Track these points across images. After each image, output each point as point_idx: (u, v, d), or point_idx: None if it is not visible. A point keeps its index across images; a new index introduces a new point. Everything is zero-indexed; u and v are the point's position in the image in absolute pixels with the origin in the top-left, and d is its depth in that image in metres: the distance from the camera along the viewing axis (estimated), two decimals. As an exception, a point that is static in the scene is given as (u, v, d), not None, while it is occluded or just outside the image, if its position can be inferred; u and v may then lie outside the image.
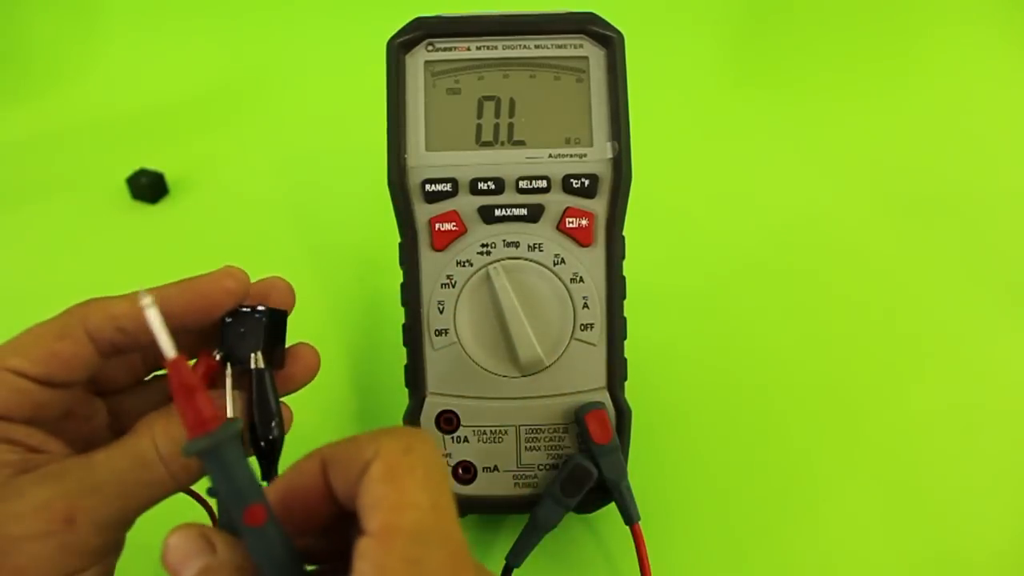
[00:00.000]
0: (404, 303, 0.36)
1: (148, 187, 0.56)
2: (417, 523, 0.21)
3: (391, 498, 0.21)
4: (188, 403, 0.21)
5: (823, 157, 0.61)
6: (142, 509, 0.24)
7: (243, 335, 0.27)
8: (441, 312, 0.36)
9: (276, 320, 0.29)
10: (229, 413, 0.27)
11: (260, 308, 0.28)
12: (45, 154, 0.62)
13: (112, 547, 0.24)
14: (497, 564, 0.35)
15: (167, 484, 0.24)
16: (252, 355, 0.27)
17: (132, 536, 0.27)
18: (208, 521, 0.30)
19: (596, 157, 0.36)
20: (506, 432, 0.36)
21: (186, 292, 0.27)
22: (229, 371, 0.27)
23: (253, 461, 0.26)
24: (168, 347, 0.22)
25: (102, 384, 0.29)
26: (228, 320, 0.28)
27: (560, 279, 0.36)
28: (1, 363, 0.24)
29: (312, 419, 0.32)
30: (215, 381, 0.28)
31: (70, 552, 0.22)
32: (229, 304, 0.27)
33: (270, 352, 0.28)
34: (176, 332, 0.26)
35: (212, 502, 0.30)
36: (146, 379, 0.30)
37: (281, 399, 0.29)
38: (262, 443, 0.28)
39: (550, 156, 0.36)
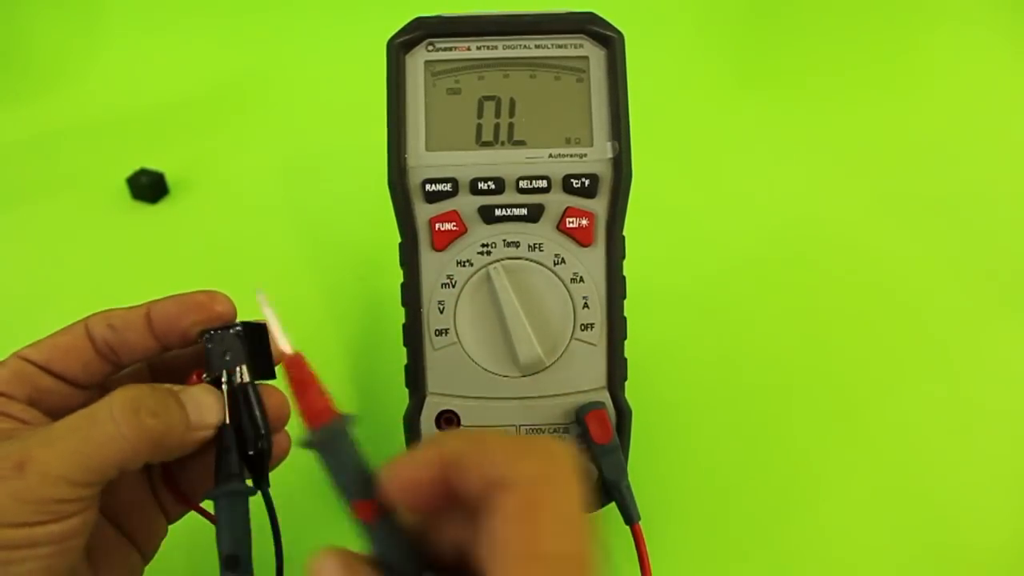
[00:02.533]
0: (404, 303, 0.36)
1: (148, 187, 0.56)
2: None
3: (522, 545, 0.19)
4: (304, 398, 0.23)
5: (823, 157, 0.61)
6: (95, 469, 0.24)
7: (224, 354, 0.28)
8: (441, 312, 0.36)
9: (254, 333, 0.29)
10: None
11: (236, 325, 0.29)
12: (45, 154, 0.62)
13: (69, 509, 0.24)
14: (497, 564, 0.35)
15: (118, 443, 0.24)
16: (237, 369, 0.28)
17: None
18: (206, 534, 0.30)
19: (596, 157, 0.36)
20: (506, 432, 0.36)
21: (178, 304, 0.29)
22: (225, 387, 0.28)
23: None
24: (285, 344, 0.25)
25: None
26: (209, 345, 0.28)
27: (560, 279, 0.36)
28: (16, 352, 0.28)
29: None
30: None
31: (21, 500, 0.23)
32: (221, 319, 0.29)
33: (254, 365, 0.29)
34: (161, 346, 0.29)
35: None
36: None
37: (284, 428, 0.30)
38: (250, 453, 0.28)
39: (550, 156, 0.36)
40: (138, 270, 0.52)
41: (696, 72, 0.68)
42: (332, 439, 0.23)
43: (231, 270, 0.52)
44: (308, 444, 0.23)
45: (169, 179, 0.58)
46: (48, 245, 0.54)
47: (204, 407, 0.27)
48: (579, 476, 0.20)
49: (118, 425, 0.24)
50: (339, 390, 0.45)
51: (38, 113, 0.65)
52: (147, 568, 0.30)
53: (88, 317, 0.29)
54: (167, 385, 0.27)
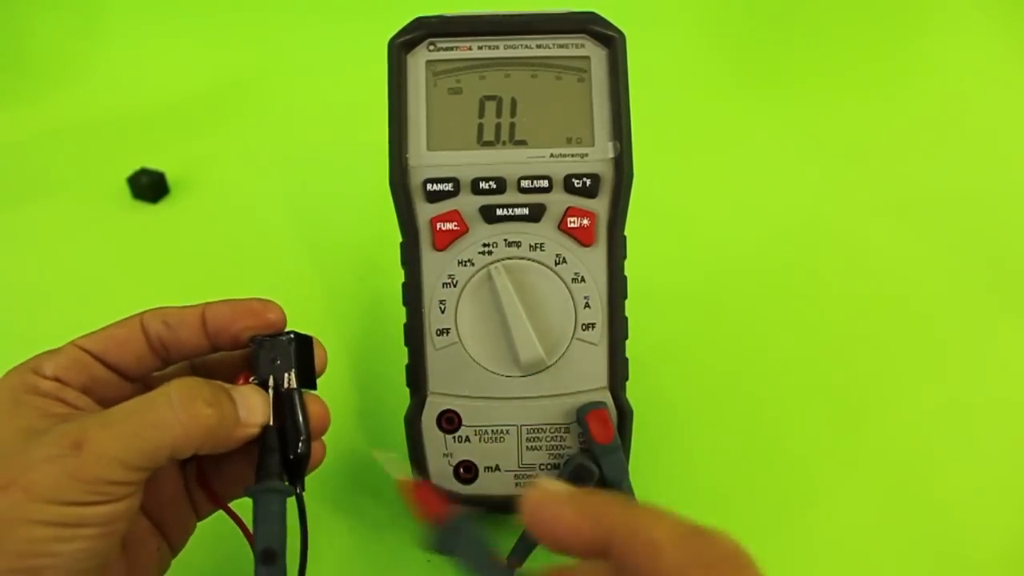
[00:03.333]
0: (405, 303, 0.36)
1: (149, 186, 0.56)
2: None
3: None
4: (425, 507, 0.26)
5: (824, 157, 0.61)
6: (149, 453, 0.25)
7: (274, 359, 0.30)
8: (442, 312, 0.36)
9: (303, 344, 0.31)
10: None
11: (288, 333, 0.30)
12: (46, 154, 0.62)
13: (119, 492, 0.24)
14: (498, 564, 0.35)
15: (174, 429, 0.25)
16: (285, 375, 0.30)
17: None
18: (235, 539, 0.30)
19: (597, 157, 0.36)
20: (507, 432, 0.36)
21: (232, 308, 0.30)
22: (271, 391, 0.30)
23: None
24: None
25: None
26: (260, 350, 0.30)
27: (561, 279, 0.36)
28: (73, 341, 0.29)
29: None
30: None
31: (76, 478, 0.24)
32: (272, 327, 0.31)
33: (299, 374, 0.30)
34: (211, 347, 0.30)
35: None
36: None
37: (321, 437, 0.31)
38: (290, 456, 0.29)
39: (551, 156, 0.36)
40: (138, 270, 0.52)
41: (697, 72, 0.68)
42: (454, 532, 0.25)
43: (232, 270, 0.52)
44: (430, 542, 0.26)
45: (169, 179, 0.58)
46: (48, 245, 0.54)
47: (252, 406, 0.28)
48: None
49: (175, 411, 0.26)
50: (340, 389, 0.45)
51: (38, 113, 0.64)
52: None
53: (143, 312, 0.30)
54: (219, 382, 0.28)
